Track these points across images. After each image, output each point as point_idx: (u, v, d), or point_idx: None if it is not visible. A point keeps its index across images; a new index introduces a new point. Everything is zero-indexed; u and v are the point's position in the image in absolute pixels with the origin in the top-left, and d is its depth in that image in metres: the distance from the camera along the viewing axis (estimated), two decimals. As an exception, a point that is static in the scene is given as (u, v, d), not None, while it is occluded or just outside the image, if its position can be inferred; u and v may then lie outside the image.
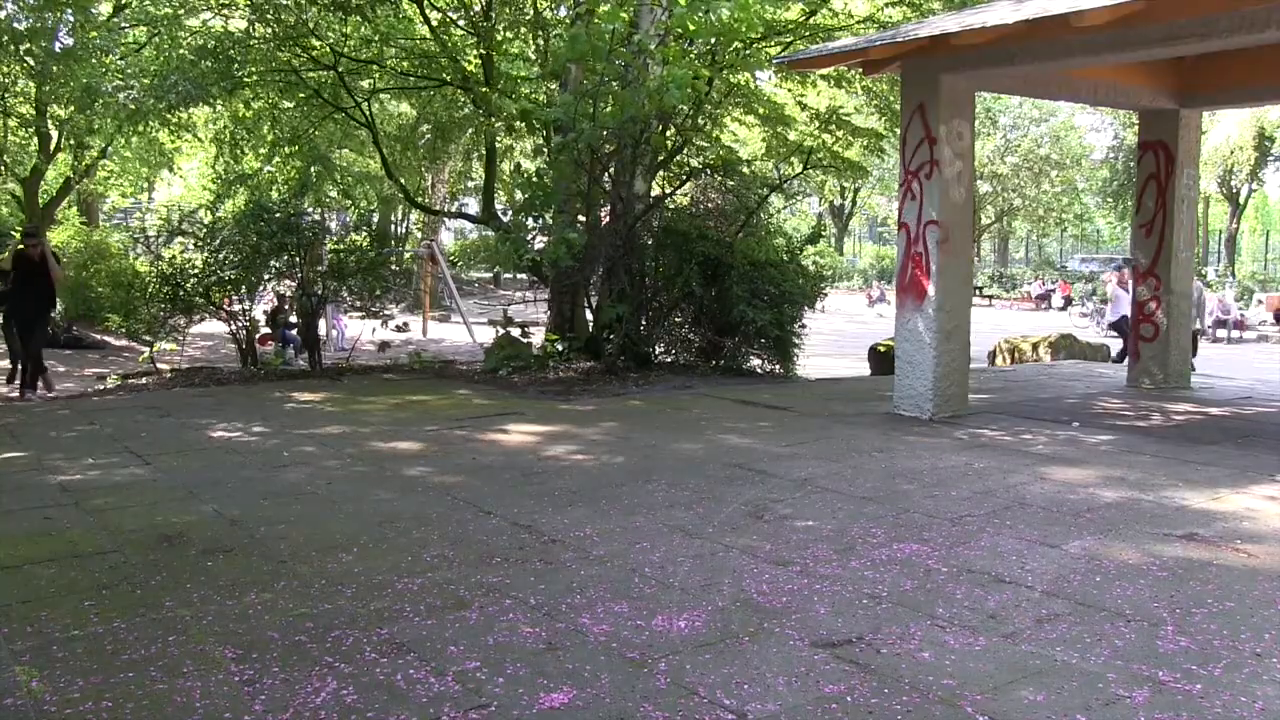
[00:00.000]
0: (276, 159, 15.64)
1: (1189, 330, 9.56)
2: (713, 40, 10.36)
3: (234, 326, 11.26)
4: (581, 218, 10.88)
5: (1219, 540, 4.39)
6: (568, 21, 12.28)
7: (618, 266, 10.59)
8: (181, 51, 13.54)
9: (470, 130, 16.10)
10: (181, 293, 10.86)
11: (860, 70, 9.91)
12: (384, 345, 14.53)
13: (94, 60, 13.92)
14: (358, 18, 12.07)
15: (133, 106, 13.00)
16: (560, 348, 10.90)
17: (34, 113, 17.85)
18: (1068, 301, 37.00)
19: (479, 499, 5.08)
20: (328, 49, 12.29)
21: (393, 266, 15.21)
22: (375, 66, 13.13)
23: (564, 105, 9.65)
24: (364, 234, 13.64)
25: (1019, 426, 7.25)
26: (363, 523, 4.64)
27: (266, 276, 11.63)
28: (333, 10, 11.83)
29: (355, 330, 17.59)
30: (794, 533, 4.49)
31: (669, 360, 11.13)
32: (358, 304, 12.08)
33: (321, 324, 14.08)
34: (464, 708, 2.79)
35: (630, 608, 3.55)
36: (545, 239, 10.45)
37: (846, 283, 47.34)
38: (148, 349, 11.82)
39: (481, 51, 12.41)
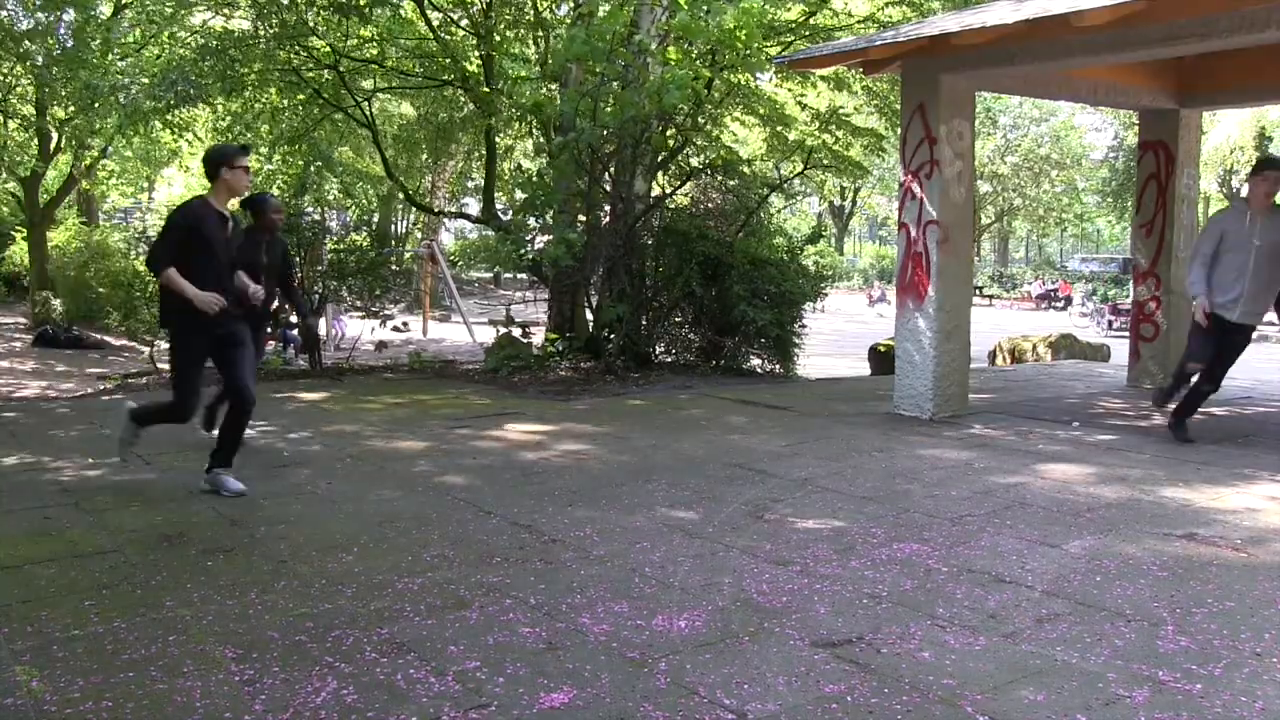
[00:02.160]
0: (276, 157, 15.64)
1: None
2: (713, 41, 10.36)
3: (234, 326, 11.24)
4: (581, 218, 10.88)
5: (1219, 540, 4.39)
6: (568, 22, 12.28)
7: (618, 266, 10.60)
8: (182, 51, 13.55)
9: (470, 130, 16.11)
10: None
11: (860, 70, 9.92)
12: (381, 345, 14.53)
13: (94, 60, 13.93)
14: (357, 18, 12.07)
15: (133, 106, 13.00)
16: (560, 348, 10.91)
17: (34, 113, 17.86)
18: (1068, 301, 36.99)
19: (479, 499, 5.08)
20: (328, 48, 12.30)
21: (393, 266, 15.22)
22: (376, 66, 13.14)
23: (570, 100, 9.65)
24: (364, 234, 13.65)
25: (1019, 426, 7.25)
26: (363, 523, 4.64)
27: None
28: (331, 11, 11.83)
29: (355, 330, 17.62)
30: (794, 532, 4.50)
31: (669, 360, 11.13)
32: (358, 304, 12.09)
33: (322, 324, 14.07)
34: (464, 707, 2.80)
35: (630, 608, 3.55)
36: (545, 239, 10.44)
37: (846, 283, 47.37)
38: (148, 349, 11.81)
39: (482, 52, 12.42)
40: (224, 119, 15.26)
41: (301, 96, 13.22)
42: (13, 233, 24.18)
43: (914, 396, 7.61)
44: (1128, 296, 27.05)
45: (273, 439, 6.74)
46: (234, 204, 5.73)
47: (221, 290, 5.02)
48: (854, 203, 51.21)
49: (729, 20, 9.16)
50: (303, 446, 6.48)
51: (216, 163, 5.09)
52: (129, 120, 13.40)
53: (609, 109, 9.62)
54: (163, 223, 5.13)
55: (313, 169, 15.23)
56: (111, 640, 3.24)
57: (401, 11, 12.89)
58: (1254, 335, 10.54)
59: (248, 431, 5.56)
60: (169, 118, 14.72)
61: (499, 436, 6.86)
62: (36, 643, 3.22)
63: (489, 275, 37.24)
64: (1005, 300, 41.05)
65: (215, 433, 5.53)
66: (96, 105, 14.07)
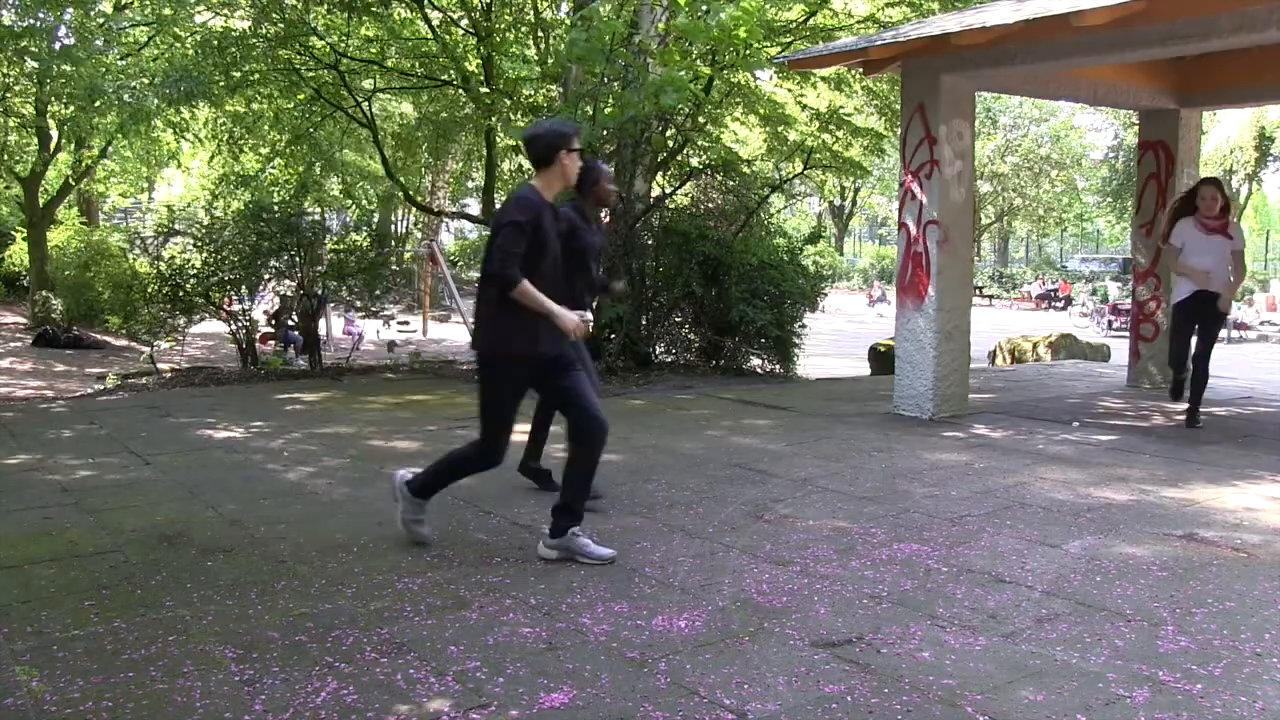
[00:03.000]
0: (278, 159, 15.64)
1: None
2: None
3: (234, 326, 11.27)
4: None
5: (1219, 540, 4.39)
6: (568, 23, 12.28)
7: (618, 266, 10.60)
8: (184, 49, 13.55)
9: (471, 130, 16.12)
10: (181, 293, 10.87)
11: (860, 70, 9.92)
12: (392, 345, 14.61)
13: (94, 59, 13.92)
14: (364, 17, 12.07)
15: (134, 106, 12.99)
16: (560, 348, 10.89)
17: (34, 113, 17.85)
18: (1068, 301, 36.92)
19: (479, 499, 5.08)
20: (329, 48, 12.30)
21: (393, 266, 15.22)
22: (376, 66, 13.13)
23: (568, 111, 9.63)
24: (364, 234, 13.65)
25: (1019, 426, 7.25)
26: (363, 523, 4.64)
27: (266, 276, 11.64)
28: (340, 10, 11.83)
29: (357, 330, 17.64)
30: (794, 532, 4.49)
31: (669, 360, 11.13)
32: (357, 304, 12.10)
33: (322, 325, 14.08)
34: (464, 708, 2.80)
35: (630, 608, 3.55)
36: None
37: (846, 283, 47.34)
38: (148, 349, 11.82)
39: (482, 52, 12.42)
40: (224, 122, 15.28)
41: (302, 96, 13.22)
42: (13, 233, 24.17)
43: (914, 396, 7.61)
44: (1126, 296, 27.09)
45: (273, 439, 6.74)
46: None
47: (560, 303, 4.07)
48: (854, 203, 51.14)
49: (729, 20, 9.15)
50: (303, 446, 6.48)
51: (553, 145, 4.08)
52: (131, 120, 13.39)
53: (609, 109, 9.62)
54: (499, 221, 4.02)
55: (315, 168, 15.22)
56: (111, 640, 3.24)
57: (405, 11, 12.89)
58: (1254, 335, 10.14)
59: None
60: (170, 117, 14.72)
61: (499, 436, 6.85)
62: (36, 643, 3.22)
63: (489, 275, 37.12)
64: (1005, 300, 41.03)
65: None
66: (98, 104, 14.06)
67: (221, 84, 12.04)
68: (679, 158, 11.77)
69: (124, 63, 15.61)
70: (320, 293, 11.52)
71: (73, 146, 20.45)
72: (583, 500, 4.23)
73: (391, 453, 6.27)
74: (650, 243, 10.92)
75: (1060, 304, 37.24)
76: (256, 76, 12.63)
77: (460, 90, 13.32)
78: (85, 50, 13.61)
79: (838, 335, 22.26)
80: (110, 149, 21.22)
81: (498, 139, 13.66)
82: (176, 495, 5.16)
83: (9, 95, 16.42)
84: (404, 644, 3.22)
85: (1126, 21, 6.00)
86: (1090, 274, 41.66)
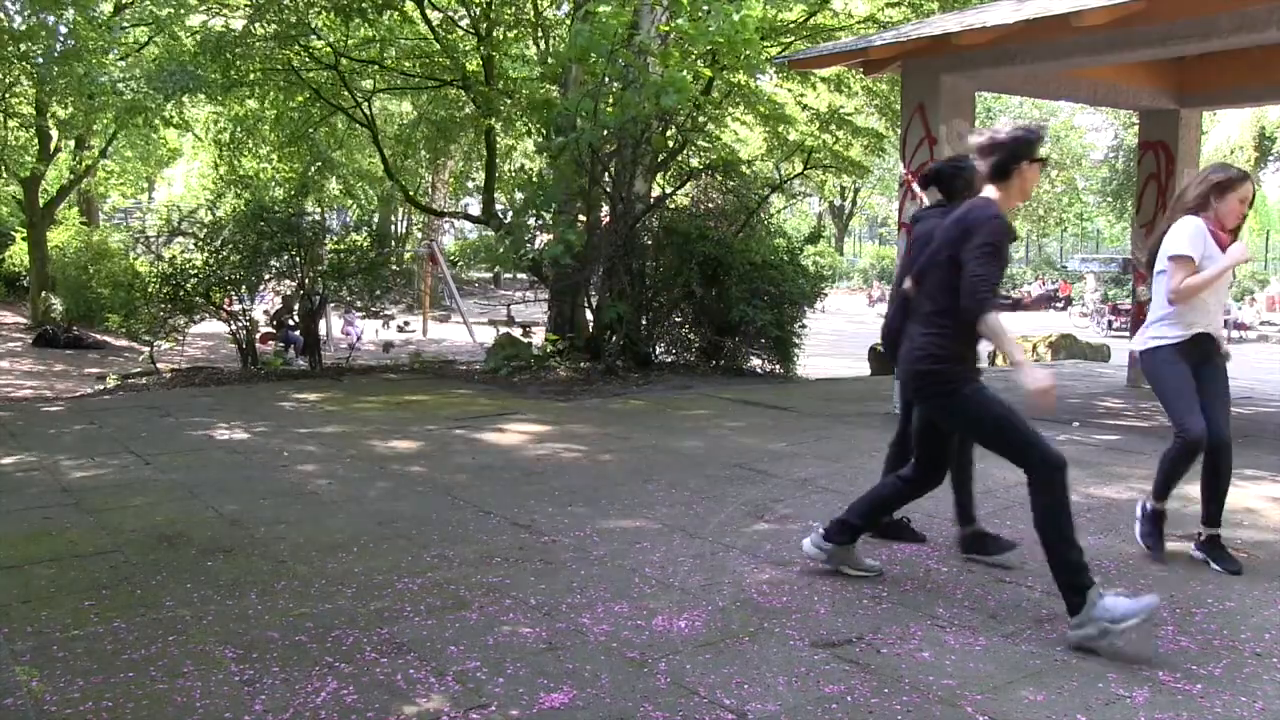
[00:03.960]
0: (277, 159, 15.65)
1: None
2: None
3: (234, 326, 11.26)
4: (581, 218, 10.88)
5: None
6: (568, 22, 12.29)
7: (618, 266, 10.59)
8: (183, 47, 13.55)
9: (471, 130, 16.14)
10: (182, 293, 10.87)
11: (860, 70, 9.92)
12: (388, 346, 14.59)
13: (93, 60, 13.93)
14: (359, 20, 12.07)
15: (129, 96, 12.98)
16: (560, 348, 10.91)
17: (34, 113, 17.85)
18: (1068, 301, 36.90)
19: (479, 499, 5.08)
20: (328, 48, 12.30)
21: (393, 266, 15.21)
22: (376, 66, 13.14)
23: (574, 101, 9.65)
24: (364, 234, 13.65)
25: (1019, 426, 7.24)
26: (363, 523, 4.64)
27: (267, 276, 11.64)
28: (334, 13, 11.84)
29: (357, 330, 17.64)
30: (794, 532, 4.49)
31: (669, 360, 11.13)
32: (357, 304, 12.10)
33: (322, 324, 14.07)
34: (464, 708, 2.80)
35: (630, 608, 3.55)
36: (545, 238, 10.45)
37: (846, 283, 47.31)
38: (148, 349, 11.81)
39: (482, 52, 12.42)
40: (225, 126, 15.28)
41: (301, 98, 13.23)
42: (13, 233, 24.17)
43: (914, 396, 7.60)
44: (1125, 295, 27.10)
45: (273, 439, 6.74)
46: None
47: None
48: (854, 203, 51.12)
49: (730, 25, 9.15)
50: (302, 446, 6.48)
51: (1016, 155, 3.43)
52: (128, 112, 13.36)
53: (609, 109, 9.63)
54: (979, 236, 3.40)
55: (314, 169, 15.22)
56: (111, 640, 3.24)
57: (403, 11, 12.90)
58: (1254, 335, 9.98)
59: None
60: (167, 113, 14.70)
61: (499, 436, 6.86)
62: (36, 643, 3.22)
63: (489, 275, 37.17)
64: (1005, 300, 40.97)
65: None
66: (95, 100, 14.05)
67: (219, 79, 12.05)
68: (679, 158, 11.77)
69: (124, 63, 15.61)
70: (320, 292, 11.53)
71: (73, 146, 20.44)
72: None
73: (391, 452, 6.27)
74: (650, 243, 10.91)
75: (1060, 304, 37.21)
76: (254, 76, 12.64)
77: (460, 90, 13.33)
78: (88, 42, 13.61)
79: (838, 335, 22.23)
80: (110, 149, 21.20)
81: (498, 139, 13.66)
82: (176, 495, 5.16)
83: (9, 95, 16.41)
84: (404, 644, 3.22)
85: (1126, 21, 6.00)
86: (1089, 274, 41.64)
